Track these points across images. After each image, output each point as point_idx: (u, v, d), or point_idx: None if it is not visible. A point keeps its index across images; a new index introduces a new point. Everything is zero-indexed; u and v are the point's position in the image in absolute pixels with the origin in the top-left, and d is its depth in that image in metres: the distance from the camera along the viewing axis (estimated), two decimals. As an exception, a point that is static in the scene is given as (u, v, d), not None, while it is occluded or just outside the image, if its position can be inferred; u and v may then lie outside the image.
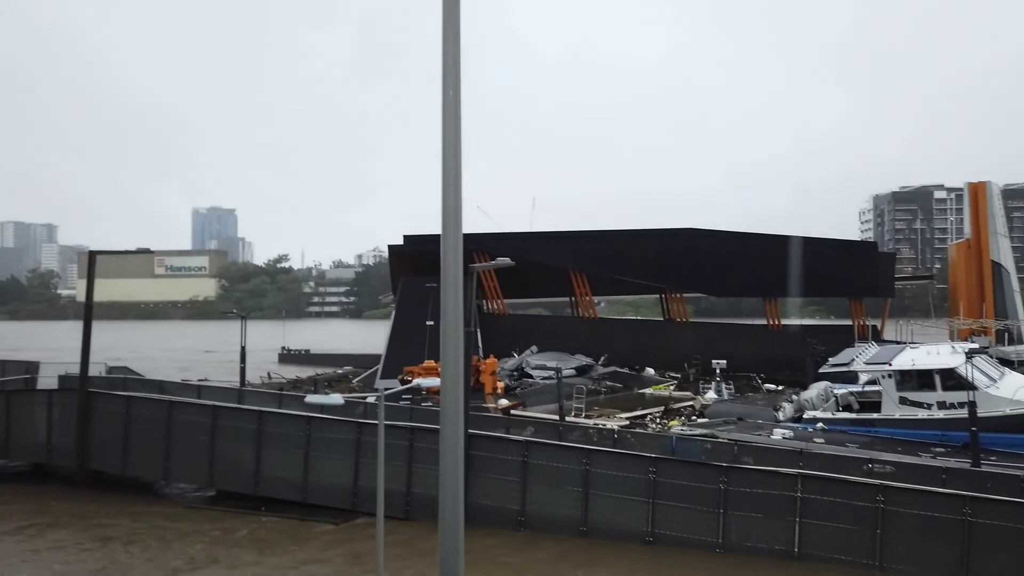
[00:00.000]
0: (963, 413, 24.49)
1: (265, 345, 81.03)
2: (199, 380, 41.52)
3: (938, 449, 25.56)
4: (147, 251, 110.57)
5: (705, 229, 53.21)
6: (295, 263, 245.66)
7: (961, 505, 19.79)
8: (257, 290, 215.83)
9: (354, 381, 48.47)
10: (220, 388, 37.04)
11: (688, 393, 39.31)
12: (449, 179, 6.42)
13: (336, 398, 19.27)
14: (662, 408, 34.61)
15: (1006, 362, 38.60)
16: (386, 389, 20.44)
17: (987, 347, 43.59)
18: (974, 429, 23.03)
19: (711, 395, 38.05)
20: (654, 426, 31.20)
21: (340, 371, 56.03)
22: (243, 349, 43.26)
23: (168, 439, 28.19)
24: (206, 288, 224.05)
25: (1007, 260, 61.13)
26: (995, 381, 27.98)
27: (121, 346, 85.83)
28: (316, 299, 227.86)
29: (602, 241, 53.55)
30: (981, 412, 24.06)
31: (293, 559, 22.00)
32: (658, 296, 61.99)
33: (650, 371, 47.75)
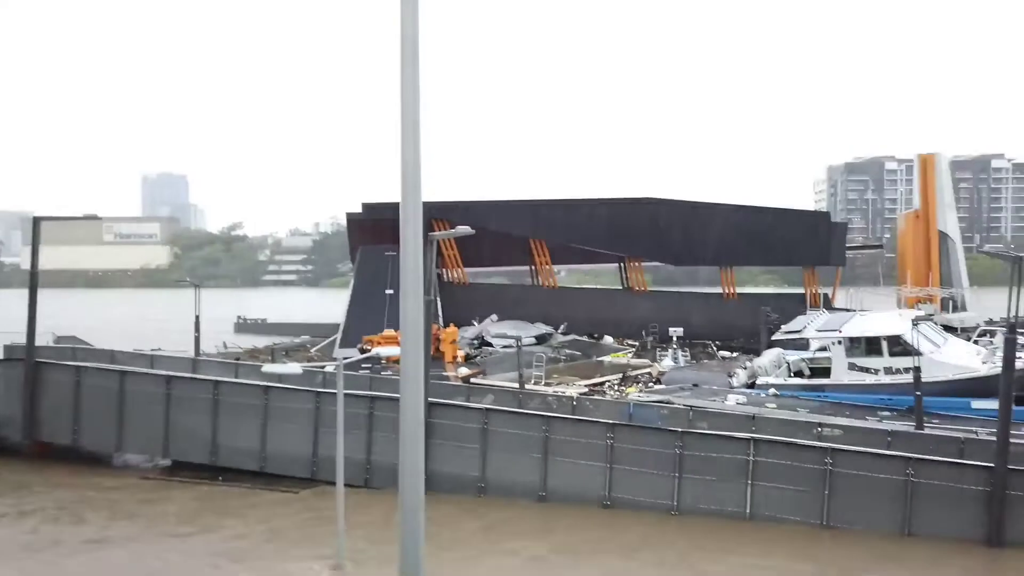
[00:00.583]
0: (909, 378, 25.38)
1: (220, 314, 79.54)
2: (152, 350, 40.65)
3: (884, 413, 26.49)
4: (94, 217, 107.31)
5: (663, 199, 53.62)
6: (250, 231, 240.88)
7: (905, 466, 20.63)
8: (211, 258, 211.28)
9: (312, 350, 47.98)
10: (174, 358, 36.35)
11: (646, 360, 39.89)
12: (408, 146, 6.32)
13: (294, 367, 19.18)
14: (620, 375, 35.09)
15: (950, 329, 40.02)
16: (345, 358, 20.29)
17: (932, 315, 45.11)
18: (918, 394, 23.90)
19: (668, 362, 38.69)
20: (612, 393, 31.66)
21: (298, 340, 55.38)
22: (197, 318, 42.46)
23: (120, 410, 27.68)
24: (157, 256, 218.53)
25: (953, 230, 63.05)
26: (939, 347, 29.00)
27: (69, 315, 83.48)
28: (272, 267, 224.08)
29: (562, 210, 53.59)
30: (925, 377, 24.97)
31: (245, 527, 21.94)
32: (617, 265, 62.47)
33: (609, 339, 48.30)
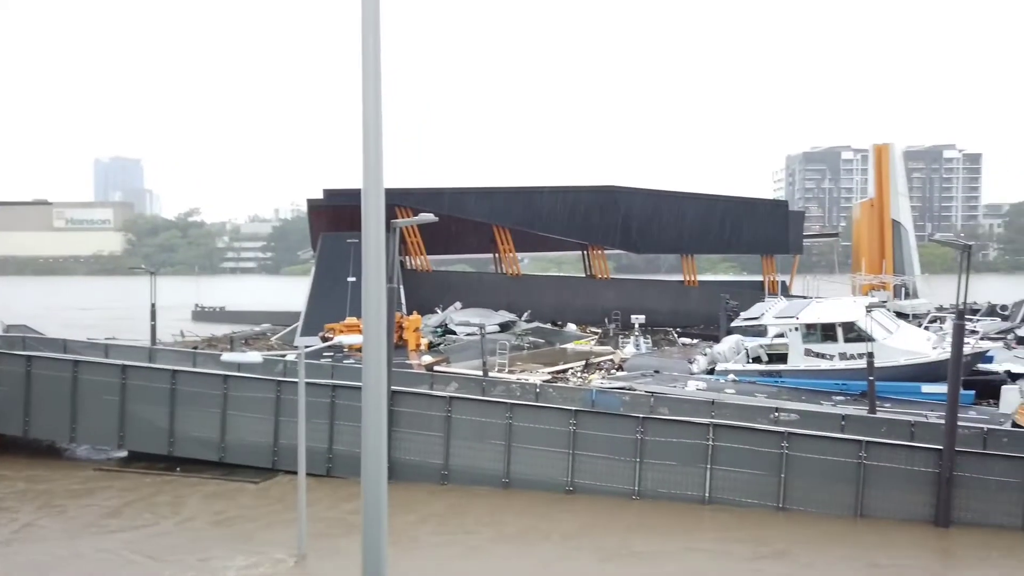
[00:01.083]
0: (862, 364, 26.05)
1: (177, 302, 78.07)
2: (106, 339, 39.66)
3: (839, 397, 27.17)
4: (44, 202, 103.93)
5: (626, 187, 54.01)
6: (207, 217, 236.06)
7: (858, 449, 21.20)
8: (167, 245, 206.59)
9: (273, 339, 47.37)
10: (129, 347, 35.53)
11: (608, 348, 40.27)
12: (370, 132, 6.23)
13: (254, 356, 18.90)
14: (583, 362, 35.35)
15: (902, 315, 41.15)
16: (307, 347, 20.06)
17: (885, 302, 46.27)
18: (871, 378, 24.56)
19: (630, 349, 39.10)
20: (575, 380, 31.89)
21: (258, 329, 54.62)
22: (153, 306, 41.55)
23: (74, 400, 26.99)
24: (111, 242, 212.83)
25: (906, 219, 64.73)
26: (892, 333, 29.79)
27: (19, 303, 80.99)
28: (231, 255, 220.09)
29: (525, 198, 53.63)
30: (878, 362, 25.66)
31: (203, 517, 21.63)
32: (580, 253, 62.79)
33: (572, 326, 48.61)
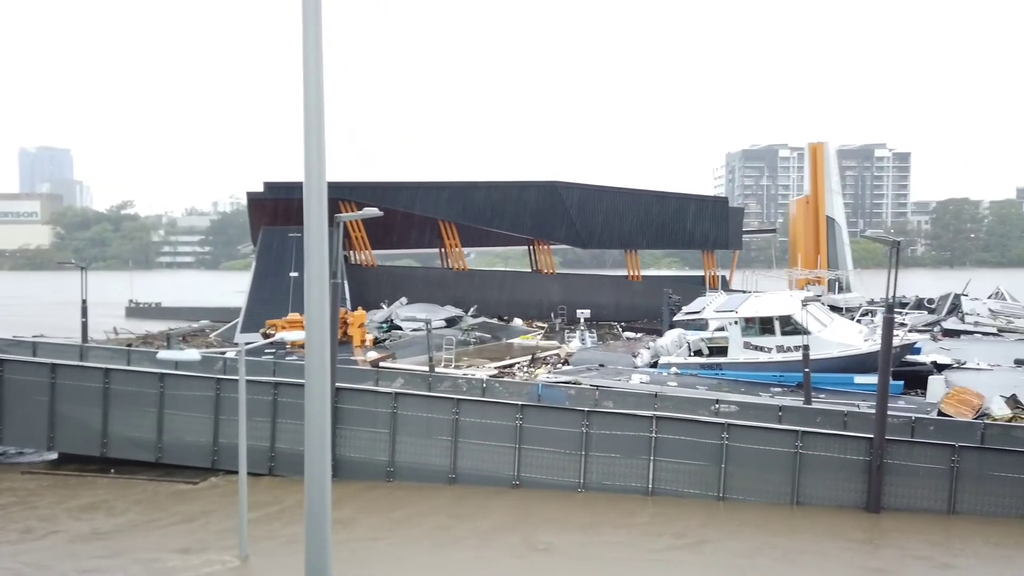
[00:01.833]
0: (798, 356, 26.86)
1: (110, 298, 75.30)
2: (34, 336, 37.99)
3: (776, 389, 27.96)
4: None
5: (571, 183, 54.43)
6: (142, 209, 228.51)
7: (794, 439, 21.87)
8: (99, 238, 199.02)
9: (211, 336, 46.16)
10: (59, 345, 34.11)
11: (554, 342, 40.56)
12: (311, 123, 6.10)
13: (192, 353, 18.36)
14: (529, 357, 35.52)
15: (836, 309, 42.58)
16: (247, 343, 19.60)
17: (820, 296, 47.81)
18: (807, 370, 25.35)
19: (575, 343, 39.47)
20: (522, 375, 32.01)
21: (196, 325, 53.16)
22: (84, 303, 39.98)
23: (0, 400, 25.81)
24: (38, 236, 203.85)
25: (839, 215, 67.01)
26: (826, 327, 30.79)
27: (-63, 300, 76.87)
28: (167, 249, 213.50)
29: (471, 192, 53.53)
30: (813, 355, 26.49)
31: (139, 520, 20.96)
32: (526, 247, 63.02)
33: (518, 321, 48.80)
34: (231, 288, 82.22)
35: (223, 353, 31.72)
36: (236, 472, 18.08)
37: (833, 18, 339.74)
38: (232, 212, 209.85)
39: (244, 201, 62.30)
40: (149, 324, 57.22)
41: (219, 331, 47.08)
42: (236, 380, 18.39)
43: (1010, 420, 23.47)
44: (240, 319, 43.46)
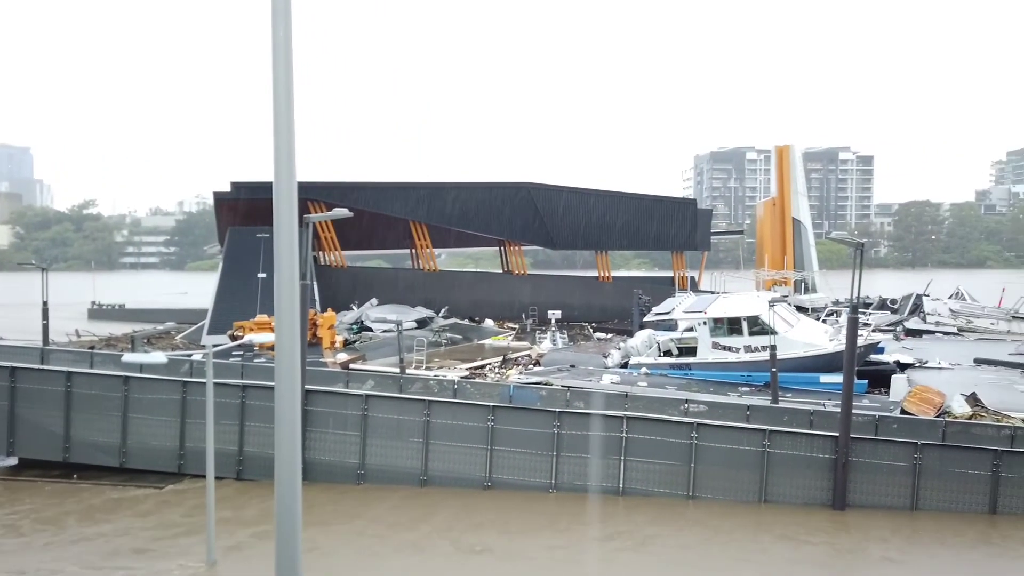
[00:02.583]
0: (766, 356, 27.22)
1: (72, 300, 73.67)
2: (-9, 339, 37.01)
3: (744, 388, 28.30)
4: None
5: (542, 184, 54.56)
6: (105, 209, 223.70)
7: (762, 438, 22.17)
8: (60, 238, 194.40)
9: (177, 338, 45.38)
10: (18, 348, 33.26)
11: (525, 343, 40.60)
12: (281, 122, 6.03)
13: (157, 356, 18.02)
14: (501, 358, 35.51)
15: (802, 309, 43.21)
16: (214, 345, 19.29)
17: (787, 296, 48.53)
18: (774, 370, 25.70)
19: (546, 344, 39.55)
20: (493, 376, 31.99)
21: (161, 327, 52.17)
22: (45, 304, 39.04)
23: (-45, 406, 25.10)
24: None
25: (805, 217, 68.13)
26: (793, 327, 31.25)
27: None
28: (131, 249, 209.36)
29: (442, 193, 53.37)
30: (780, 355, 26.86)
31: (103, 527, 20.53)
32: (497, 248, 63.02)
33: (489, 322, 48.76)
34: (197, 289, 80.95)
35: (189, 355, 31.20)
36: (203, 476, 17.79)
37: (799, 23, 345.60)
38: (198, 212, 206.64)
39: (211, 201, 61.41)
40: (112, 326, 55.99)
41: (185, 333, 46.31)
42: (203, 383, 18.10)
43: (970, 418, 24.04)
44: (207, 321, 42.79)
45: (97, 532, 20.24)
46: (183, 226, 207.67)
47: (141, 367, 25.13)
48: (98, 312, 72.67)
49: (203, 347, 23.91)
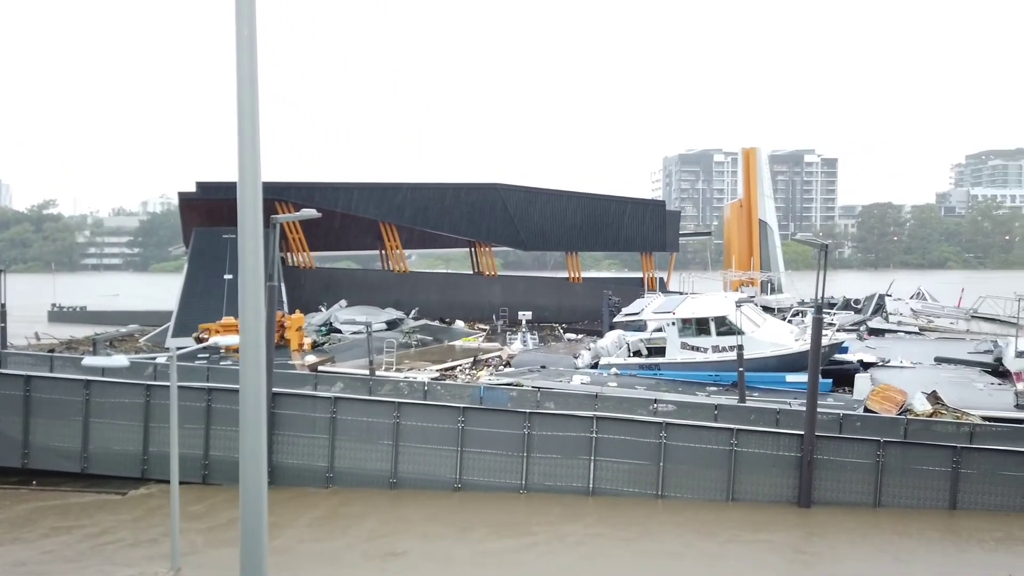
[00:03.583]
0: (733, 356, 27.54)
1: (31, 302, 71.90)
2: (-54, 343, 35.93)
3: (712, 388, 28.59)
4: None
5: (512, 185, 54.59)
6: (65, 209, 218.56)
7: (729, 437, 22.42)
8: (19, 239, 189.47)
9: (141, 340, 44.51)
10: (-26, 352, 32.31)
11: (496, 344, 40.55)
12: (245, 121, 5.94)
13: (120, 359, 17.65)
14: (471, 359, 35.42)
15: (768, 310, 43.81)
16: (179, 348, 18.99)
17: (753, 297, 49.16)
18: (741, 369, 26.01)
19: (517, 345, 39.54)
20: (463, 377, 31.90)
21: (124, 330, 51.10)
22: (3, 307, 38.00)
23: (-93, 412, 24.34)
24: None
25: (771, 219, 69.13)
26: (759, 327, 31.66)
27: None
28: (93, 250, 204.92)
29: (411, 194, 53.12)
30: (747, 354, 27.19)
31: (63, 534, 20.07)
32: (468, 249, 62.91)
33: (460, 323, 48.60)
34: (160, 291, 79.56)
35: (153, 358, 30.62)
36: (168, 481, 17.47)
37: (765, 28, 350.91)
38: (163, 212, 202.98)
39: (175, 201, 60.35)
40: (73, 329, 54.75)
41: (149, 336, 45.46)
42: (167, 386, 17.77)
43: (931, 415, 24.58)
44: (171, 323, 42.05)
45: (57, 539, 19.77)
46: (147, 227, 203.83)
47: (103, 371, 24.62)
48: (59, 314, 71.01)
49: (168, 350, 23.51)
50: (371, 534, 20.18)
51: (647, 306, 34.40)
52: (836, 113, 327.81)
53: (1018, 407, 25.99)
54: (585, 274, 58.98)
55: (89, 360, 17.77)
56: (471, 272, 61.13)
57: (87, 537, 19.93)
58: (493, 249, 56.84)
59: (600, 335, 38.45)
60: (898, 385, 27.77)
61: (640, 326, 35.29)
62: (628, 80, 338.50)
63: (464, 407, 23.57)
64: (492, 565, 18.42)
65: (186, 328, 38.70)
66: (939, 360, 34.90)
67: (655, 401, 24.40)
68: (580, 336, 45.00)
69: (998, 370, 33.17)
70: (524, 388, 26.47)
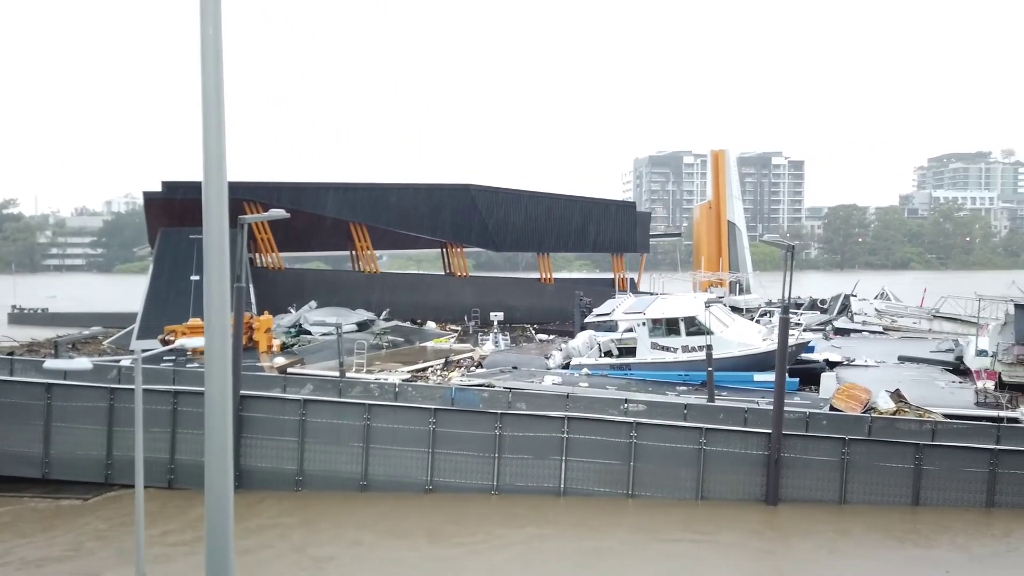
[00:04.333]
0: (702, 355, 27.81)
1: (-10, 304, 70.13)
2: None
3: (682, 387, 28.85)
4: None
5: (484, 186, 54.53)
6: (26, 209, 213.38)
7: (699, 436, 22.63)
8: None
9: (105, 343, 43.63)
10: (-70, 355, 31.41)
11: (468, 345, 40.47)
12: (211, 120, 5.84)
13: (82, 362, 17.26)
14: (443, 360, 35.30)
15: (736, 310, 44.33)
16: (144, 351, 18.62)
17: (722, 297, 49.70)
18: (710, 369, 26.28)
19: (489, 346, 39.51)
20: (435, 378, 31.78)
21: (87, 332, 50.03)
22: (-40, 309, 37.00)
23: None
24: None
25: (740, 220, 69.96)
26: (728, 327, 32.02)
27: None
28: (55, 251, 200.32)
29: (383, 194, 52.79)
30: (716, 354, 27.48)
31: (23, 541, 19.58)
32: (439, 250, 62.69)
33: (431, 325, 48.42)
34: (124, 292, 78.10)
35: (117, 361, 30.03)
36: (132, 486, 17.14)
37: (733, 32, 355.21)
38: (127, 212, 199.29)
39: (140, 201, 59.27)
40: (35, 331, 53.47)
41: (113, 338, 44.59)
42: (132, 389, 17.44)
43: (894, 413, 25.07)
44: (136, 325, 41.29)
45: (18, 547, 19.27)
46: (111, 227, 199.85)
47: (65, 374, 24.08)
48: (19, 316, 69.28)
49: (132, 352, 23.06)
50: (340, 535, 20.01)
51: (618, 307, 34.60)
52: (803, 116, 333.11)
53: (978, 405, 26.65)
54: (557, 275, 59.16)
55: (51, 363, 17.34)
56: (443, 273, 60.94)
57: (48, 544, 19.47)
58: (465, 250, 56.73)
59: (571, 336, 38.58)
60: (863, 384, 28.27)
61: (611, 327, 35.48)
62: (599, 82, 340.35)
63: (435, 408, 23.49)
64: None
65: (151, 330, 38.03)
66: (902, 359, 35.60)
67: (626, 401, 24.54)
68: (552, 337, 45.10)
69: (959, 368, 33.97)
70: (496, 389, 26.45)
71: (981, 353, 32.70)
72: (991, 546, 19.94)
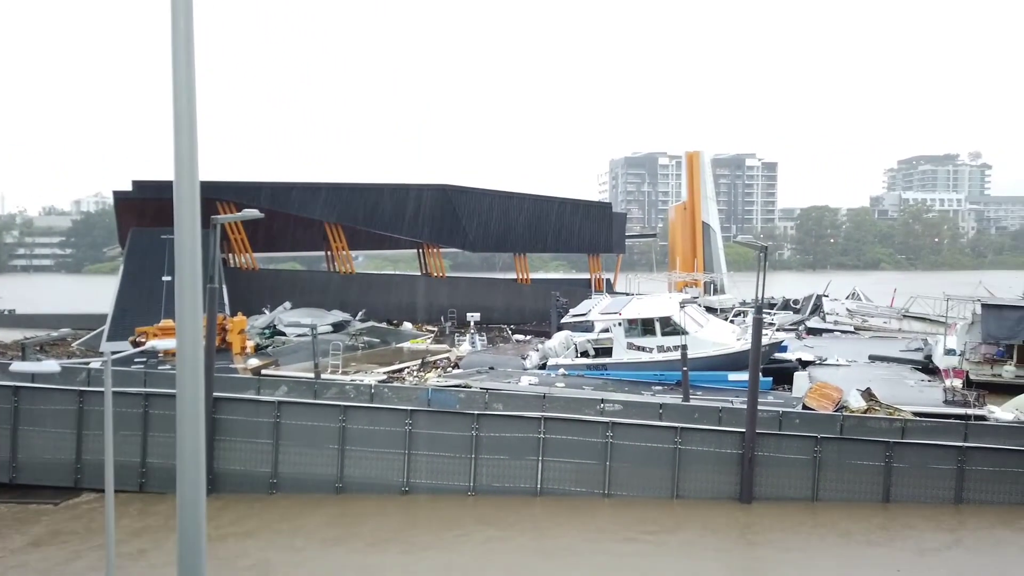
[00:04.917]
0: (677, 355, 28.03)
1: (-46, 305, 68.49)
2: None
3: (657, 387, 29.05)
4: None
5: (460, 186, 54.44)
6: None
7: (674, 435, 22.80)
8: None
9: (74, 345, 42.88)
10: None
11: (444, 346, 40.38)
12: (182, 118, 5.77)
13: (51, 365, 16.93)
14: (419, 361, 35.19)
15: (711, 310, 44.76)
16: (114, 352, 18.33)
17: (697, 297, 50.14)
18: (685, 369, 26.49)
19: (465, 347, 39.46)
20: (411, 379, 31.67)
21: (55, 334, 49.13)
22: (-77, 311, 36.14)
23: None
24: None
25: (714, 221, 70.62)
26: (703, 327, 32.31)
27: None
28: (22, 251, 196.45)
29: (359, 194, 52.48)
30: (691, 354, 27.72)
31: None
32: (416, 251, 62.48)
33: (408, 325, 48.25)
34: (94, 293, 76.81)
35: (87, 363, 29.52)
36: (103, 490, 16.85)
37: (708, 35, 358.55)
38: (97, 212, 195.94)
39: (110, 200, 58.34)
40: (1, 333, 52.40)
41: (82, 339, 43.83)
42: (102, 392, 17.14)
43: (865, 412, 25.47)
44: (106, 326, 40.62)
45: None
46: (80, 227, 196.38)
47: (33, 376, 23.61)
48: (-16, 318, 67.82)
49: (102, 354, 22.68)
50: (315, 538, 19.85)
51: (594, 307, 34.76)
52: (776, 118, 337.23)
53: (946, 403, 27.18)
54: (533, 275, 59.24)
55: (17, 366, 16.99)
56: (419, 273, 60.75)
57: (16, 551, 19.07)
58: (441, 250, 56.60)
59: (548, 336, 38.68)
60: (834, 383, 28.70)
61: (587, 327, 35.62)
62: (575, 83, 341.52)
63: (412, 409, 23.40)
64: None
65: (122, 332, 37.48)
66: (873, 358, 36.19)
67: (602, 401, 24.65)
68: (528, 337, 45.16)
69: (928, 367, 34.62)
70: (472, 390, 26.42)
71: (949, 352, 33.35)
72: (941, 540, 20.33)
